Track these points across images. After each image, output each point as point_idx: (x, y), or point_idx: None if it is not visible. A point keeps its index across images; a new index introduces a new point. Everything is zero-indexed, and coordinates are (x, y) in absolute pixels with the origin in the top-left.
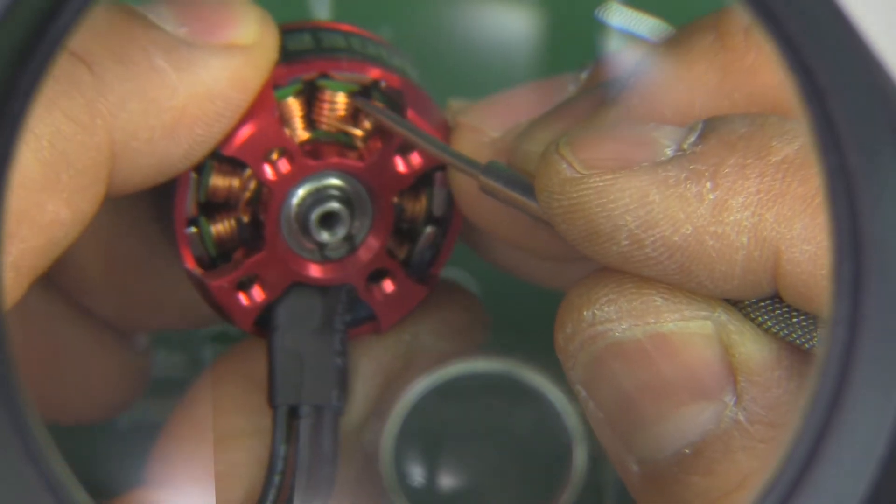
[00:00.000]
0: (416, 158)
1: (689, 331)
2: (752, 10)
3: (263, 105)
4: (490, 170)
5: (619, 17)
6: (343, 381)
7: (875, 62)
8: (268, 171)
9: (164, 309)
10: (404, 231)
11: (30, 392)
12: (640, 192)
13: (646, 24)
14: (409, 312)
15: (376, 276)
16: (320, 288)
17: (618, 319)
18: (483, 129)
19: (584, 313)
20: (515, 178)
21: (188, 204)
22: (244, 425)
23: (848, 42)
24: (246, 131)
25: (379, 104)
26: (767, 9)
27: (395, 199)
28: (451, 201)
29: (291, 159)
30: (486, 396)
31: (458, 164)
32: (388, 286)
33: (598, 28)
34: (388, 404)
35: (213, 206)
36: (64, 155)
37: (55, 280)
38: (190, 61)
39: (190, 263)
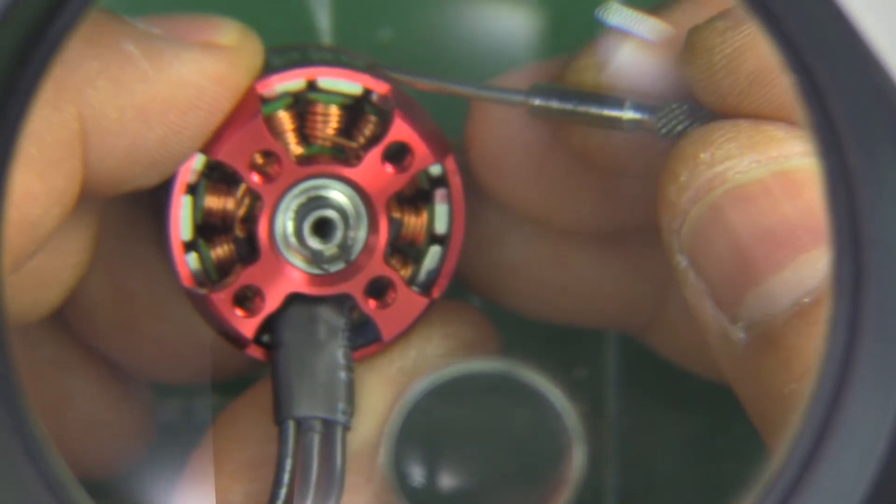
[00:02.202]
0: (408, 161)
1: (812, 168)
2: (752, 10)
3: (248, 110)
4: (537, 91)
5: (619, 17)
6: (349, 395)
7: (875, 62)
8: (255, 177)
9: (172, 352)
10: (408, 252)
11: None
12: None
13: (646, 24)
14: (411, 324)
15: (376, 287)
16: (321, 301)
17: (739, 156)
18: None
19: (702, 156)
20: (564, 90)
21: (185, 225)
22: (262, 455)
23: (848, 42)
24: (231, 135)
25: (371, 116)
26: (767, 9)
27: (396, 215)
28: (452, 218)
29: (280, 164)
30: (486, 396)
31: (500, 97)
32: (388, 297)
33: (598, 28)
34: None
35: (210, 230)
36: (31, 128)
37: (65, 319)
38: (162, 51)
39: (188, 282)
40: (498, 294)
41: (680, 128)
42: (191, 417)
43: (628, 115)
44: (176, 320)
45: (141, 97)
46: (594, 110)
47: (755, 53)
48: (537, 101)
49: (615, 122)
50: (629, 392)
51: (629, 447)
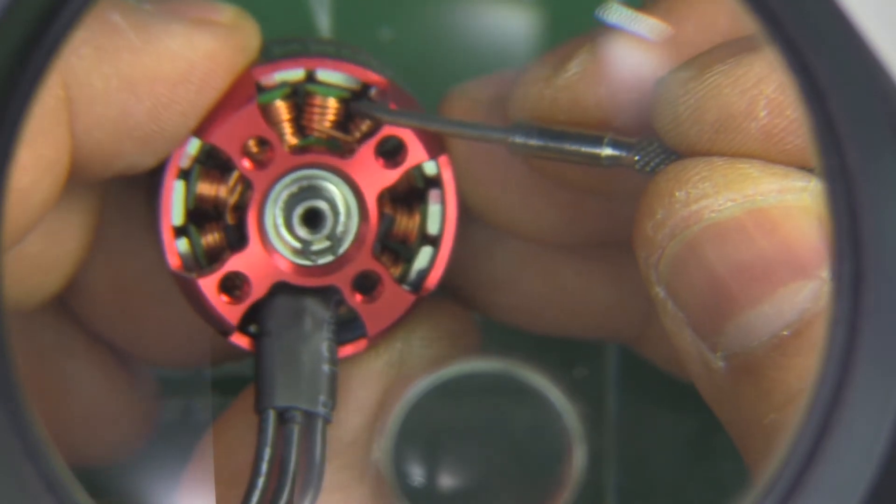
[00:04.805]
0: (401, 156)
1: (787, 204)
2: (753, 10)
3: (243, 95)
4: (517, 130)
5: (619, 17)
6: (331, 388)
7: (875, 62)
8: (247, 163)
9: (174, 336)
10: (400, 251)
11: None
12: (771, 58)
13: (646, 24)
14: (397, 320)
15: (363, 281)
16: (308, 293)
17: (714, 194)
18: (475, 93)
19: (677, 194)
20: (544, 128)
21: (177, 210)
22: None
23: (848, 42)
24: (224, 118)
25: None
26: (767, 9)
27: (389, 211)
28: (444, 218)
29: (273, 152)
30: (485, 396)
31: (482, 136)
32: (375, 292)
33: (598, 28)
34: (389, 418)
35: (201, 216)
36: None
37: (67, 305)
38: (150, 23)
39: (175, 264)
40: (487, 308)
41: (657, 163)
42: (190, 416)
43: (606, 152)
44: (177, 305)
45: (128, 67)
46: (573, 147)
47: (717, 103)
48: (518, 139)
49: (594, 159)
50: (629, 392)
51: (629, 447)
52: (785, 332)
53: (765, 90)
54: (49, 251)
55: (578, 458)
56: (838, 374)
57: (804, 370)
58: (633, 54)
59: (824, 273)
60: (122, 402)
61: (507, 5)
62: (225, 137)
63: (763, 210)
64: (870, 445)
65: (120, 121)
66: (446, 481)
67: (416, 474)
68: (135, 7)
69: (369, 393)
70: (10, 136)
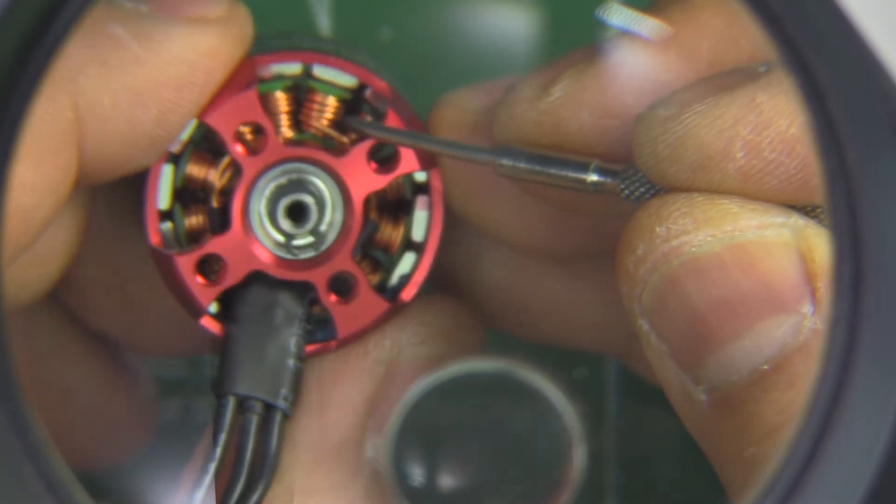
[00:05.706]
0: (393, 163)
1: (766, 240)
2: (752, 10)
3: (244, 80)
4: (505, 152)
5: (619, 17)
6: (294, 384)
7: (875, 62)
8: (239, 147)
9: (169, 325)
10: (380, 259)
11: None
12: (747, 98)
13: (646, 24)
14: (368, 325)
15: (340, 281)
16: (284, 287)
17: (694, 230)
18: (464, 103)
19: (658, 230)
20: (531, 153)
21: (163, 194)
22: None
23: (848, 42)
24: (223, 101)
25: (368, 116)
26: (767, 9)
27: (374, 217)
28: (430, 225)
29: (266, 140)
30: (486, 396)
31: (471, 157)
32: (349, 294)
33: (598, 28)
34: (382, 417)
35: (188, 197)
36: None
37: (64, 306)
38: (150, 30)
39: (155, 241)
40: (476, 314)
41: (642, 192)
42: (190, 416)
43: (592, 178)
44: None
45: (133, 79)
46: (560, 172)
47: (695, 143)
48: (505, 161)
49: (580, 184)
50: (629, 392)
51: (629, 447)
52: (765, 367)
53: (741, 131)
54: (41, 244)
55: (578, 458)
56: (838, 374)
57: (784, 404)
58: (616, 80)
59: (804, 308)
60: (123, 405)
61: (507, 5)
62: (221, 119)
63: (742, 246)
64: (870, 445)
65: (128, 131)
66: (446, 481)
67: (416, 474)
68: (133, 13)
69: (358, 391)
70: (10, 136)
